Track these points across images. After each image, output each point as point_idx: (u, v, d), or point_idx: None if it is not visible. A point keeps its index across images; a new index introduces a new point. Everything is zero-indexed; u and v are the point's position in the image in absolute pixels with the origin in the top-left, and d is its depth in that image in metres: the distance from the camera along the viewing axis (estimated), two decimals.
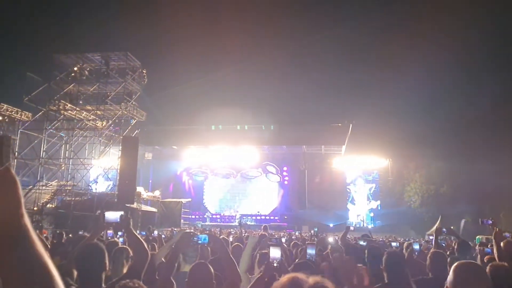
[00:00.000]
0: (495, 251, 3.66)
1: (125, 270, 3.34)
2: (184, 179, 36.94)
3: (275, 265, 2.93)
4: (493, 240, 3.71)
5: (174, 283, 3.20)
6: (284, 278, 1.18)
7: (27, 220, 0.83)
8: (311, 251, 4.12)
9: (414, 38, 34.63)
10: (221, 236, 9.30)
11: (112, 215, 3.32)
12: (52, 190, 23.62)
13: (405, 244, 6.21)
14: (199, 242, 3.16)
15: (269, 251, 3.02)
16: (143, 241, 3.11)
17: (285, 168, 35.90)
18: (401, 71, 33.31)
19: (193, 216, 34.57)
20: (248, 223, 32.58)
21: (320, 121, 34.92)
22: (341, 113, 36.26)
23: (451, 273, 2.05)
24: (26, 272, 0.79)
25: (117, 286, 2.10)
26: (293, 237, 11.55)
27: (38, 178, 23.21)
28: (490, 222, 4.78)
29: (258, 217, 34.20)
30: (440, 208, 30.18)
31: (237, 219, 32.20)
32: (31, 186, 22.10)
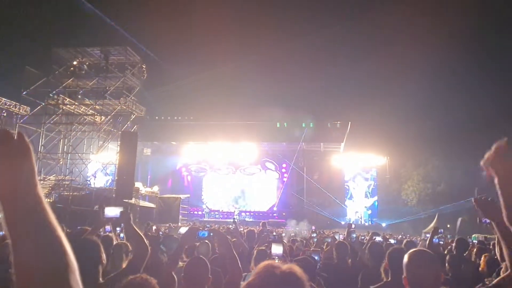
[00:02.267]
0: (497, 251, 3.64)
1: (124, 265, 3.33)
2: (183, 175, 36.93)
3: (276, 261, 2.93)
4: (496, 240, 3.69)
5: (176, 278, 3.18)
6: (261, 264, 1.24)
7: (40, 189, 0.83)
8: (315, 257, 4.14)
9: (414, 37, 34.56)
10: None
11: (112, 211, 3.30)
12: (50, 185, 23.58)
13: (404, 242, 6.20)
14: (201, 236, 3.18)
15: (270, 247, 3.02)
16: (143, 236, 3.10)
17: (284, 165, 35.90)
18: (400, 70, 33.28)
19: (192, 212, 34.58)
20: (247, 219, 32.64)
21: (320, 118, 34.89)
22: (340, 111, 36.25)
23: (405, 258, 2.22)
24: (41, 239, 0.80)
25: (125, 282, 2.09)
26: (291, 234, 11.54)
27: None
28: (489, 221, 4.77)
29: (256, 214, 34.25)
30: (437, 206, 30.25)
31: (236, 215, 32.26)
32: None
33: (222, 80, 35.19)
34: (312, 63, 38.77)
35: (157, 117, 33.34)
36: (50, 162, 24.76)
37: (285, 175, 35.96)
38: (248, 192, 36.57)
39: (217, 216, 34.66)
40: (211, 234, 3.43)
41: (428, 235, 11.87)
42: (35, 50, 26.25)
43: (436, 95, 34.82)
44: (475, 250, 6.11)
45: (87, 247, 2.79)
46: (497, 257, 3.72)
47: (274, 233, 9.79)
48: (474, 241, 12.75)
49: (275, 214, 34.53)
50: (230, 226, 19.88)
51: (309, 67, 39.03)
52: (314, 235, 10.09)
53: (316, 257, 4.35)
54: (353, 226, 7.24)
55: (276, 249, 2.94)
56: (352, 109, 35.33)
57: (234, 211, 34.07)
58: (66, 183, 23.93)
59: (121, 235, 5.81)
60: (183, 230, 7.28)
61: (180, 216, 31.70)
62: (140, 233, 3.14)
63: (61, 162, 24.92)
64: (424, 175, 34.71)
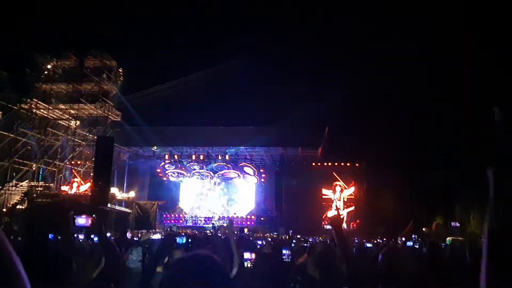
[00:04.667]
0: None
1: (95, 274, 3.27)
2: (160, 180, 36.48)
3: (248, 265, 2.97)
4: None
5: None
6: None
7: None
8: (285, 251, 4.20)
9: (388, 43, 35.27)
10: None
11: (82, 220, 3.26)
12: (23, 191, 22.99)
13: (380, 246, 6.30)
14: (179, 243, 3.19)
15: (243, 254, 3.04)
16: (115, 245, 3.05)
17: (262, 170, 35.94)
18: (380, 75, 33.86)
19: (169, 218, 34.20)
20: (224, 224, 32.48)
21: (298, 123, 35.09)
22: (318, 115, 36.53)
23: (379, 256, 2.43)
24: None
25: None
26: (269, 239, 11.58)
27: (8, 179, 22.54)
28: (458, 224, 4.94)
29: (235, 219, 34.13)
30: (413, 211, 30.72)
31: (214, 220, 32.13)
32: (0, 187, 21.45)
33: (202, 84, 35.04)
34: (292, 66, 39.03)
35: (134, 122, 32.93)
36: (22, 168, 24.10)
37: (263, 180, 35.99)
38: (226, 197, 36.45)
39: (194, 222, 34.39)
40: (189, 240, 3.43)
41: (404, 239, 12.10)
42: (7, 53, 25.57)
43: (412, 99, 35.46)
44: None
45: (59, 258, 2.73)
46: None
47: (251, 237, 9.80)
48: (448, 244, 13.04)
49: (253, 218, 34.49)
50: (208, 231, 19.80)
51: (289, 70, 39.29)
52: (294, 241, 10.16)
53: (286, 251, 4.40)
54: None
55: (247, 255, 3.00)
56: (330, 113, 35.71)
57: (213, 217, 33.88)
58: (40, 189, 23.37)
59: (95, 239, 5.73)
60: (154, 237, 7.19)
61: (157, 222, 31.36)
62: (112, 242, 3.10)
63: (34, 168, 24.30)
64: (400, 179, 35.24)
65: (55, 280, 2.63)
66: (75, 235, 5.59)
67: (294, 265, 4.83)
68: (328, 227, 30.06)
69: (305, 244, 6.09)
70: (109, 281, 2.85)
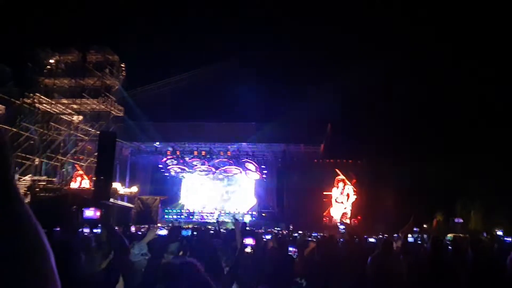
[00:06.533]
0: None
1: (103, 265, 3.31)
2: (162, 176, 36.57)
3: (249, 251, 3.01)
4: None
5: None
6: None
7: (16, 182, 0.81)
8: (291, 248, 4.26)
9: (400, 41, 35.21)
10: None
11: (90, 212, 3.30)
12: (25, 185, 23.08)
13: (383, 241, 6.33)
14: (185, 235, 3.23)
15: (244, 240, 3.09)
16: (123, 237, 3.09)
17: (263, 166, 35.95)
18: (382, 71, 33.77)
19: (171, 213, 34.30)
20: (226, 220, 32.58)
21: (300, 119, 35.07)
22: (320, 112, 36.49)
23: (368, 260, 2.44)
24: (18, 229, 0.77)
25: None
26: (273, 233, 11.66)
27: None
28: (461, 220, 4.97)
29: (236, 215, 34.21)
30: (413, 206, 30.74)
31: (217, 216, 32.20)
32: None
33: (204, 80, 35.03)
34: (294, 62, 38.99)
35: (136, 117, 32.98)
36: (25, 162, 24.18)
37: (265, 176, 35.98)
38: (228, 193, 36.50)
39: (197, 217, 34.48)
40: (194, 233, 3.47)
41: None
42: (10, 48, 25.61)
43: (412, 97, 35.38)
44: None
45: (66, 251, 2.76)
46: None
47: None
48: (448, 239, 13.07)
49: (255, 214, 34.55)
50: (210, 227, 19.85)
51: (291, 67, 39.20)
52: (296, 234, 10.23)
53: (292, 248, 4.48)
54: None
55: (248, 240, 3.06)
56: (333, 110, 35.71)
57: (214, 212, 33.95)
58: (42, 183, 23.47)
59: (97, 231, 5.78)
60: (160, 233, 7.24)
61: (159, 217, 31.48)
62: (120, 234, 3.14)
63: (36, 162, 24.38)
64: (401, 175, 35.21)
65: (64, 271, 2.67)
66: (80, 229, 5.64)
67: (301, 256, 4.88)
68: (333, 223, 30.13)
69: (309, 238, 6.16)
70: (118, 272, 2.89)
